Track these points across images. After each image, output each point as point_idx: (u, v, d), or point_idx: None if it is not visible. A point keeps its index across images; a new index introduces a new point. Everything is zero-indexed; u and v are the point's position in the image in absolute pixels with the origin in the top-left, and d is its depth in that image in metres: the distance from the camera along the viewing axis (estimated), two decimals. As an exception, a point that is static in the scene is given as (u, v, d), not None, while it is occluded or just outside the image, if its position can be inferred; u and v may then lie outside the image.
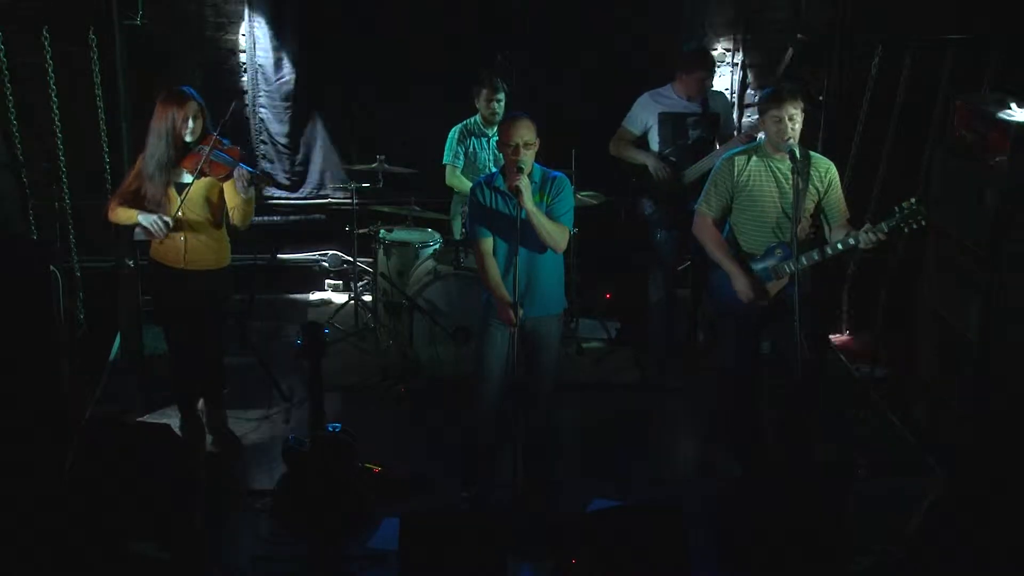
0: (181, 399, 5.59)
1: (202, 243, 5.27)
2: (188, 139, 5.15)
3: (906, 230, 4.89)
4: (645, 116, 6.42)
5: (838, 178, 5.24)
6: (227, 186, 5.18)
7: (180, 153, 5.16)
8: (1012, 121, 5.33)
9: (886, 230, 4.90)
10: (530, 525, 4.92)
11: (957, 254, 5.68)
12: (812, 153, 5.21)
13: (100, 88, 6.60)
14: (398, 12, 7.49)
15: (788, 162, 5.06)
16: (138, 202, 5.20)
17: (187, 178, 5.16)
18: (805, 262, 5.05)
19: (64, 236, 6.82)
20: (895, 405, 6.24)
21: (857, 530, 4.73)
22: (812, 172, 5.13)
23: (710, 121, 6.40)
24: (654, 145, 6.42)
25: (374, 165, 6.91)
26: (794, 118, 5.01)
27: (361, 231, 7.11)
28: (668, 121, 6.37)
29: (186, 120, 5.11)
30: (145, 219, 5.13)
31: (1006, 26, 6.54)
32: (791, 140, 5.01)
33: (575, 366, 6.83)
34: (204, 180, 5.17)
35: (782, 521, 4.53)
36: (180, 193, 5.16)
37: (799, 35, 7.26)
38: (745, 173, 5.17)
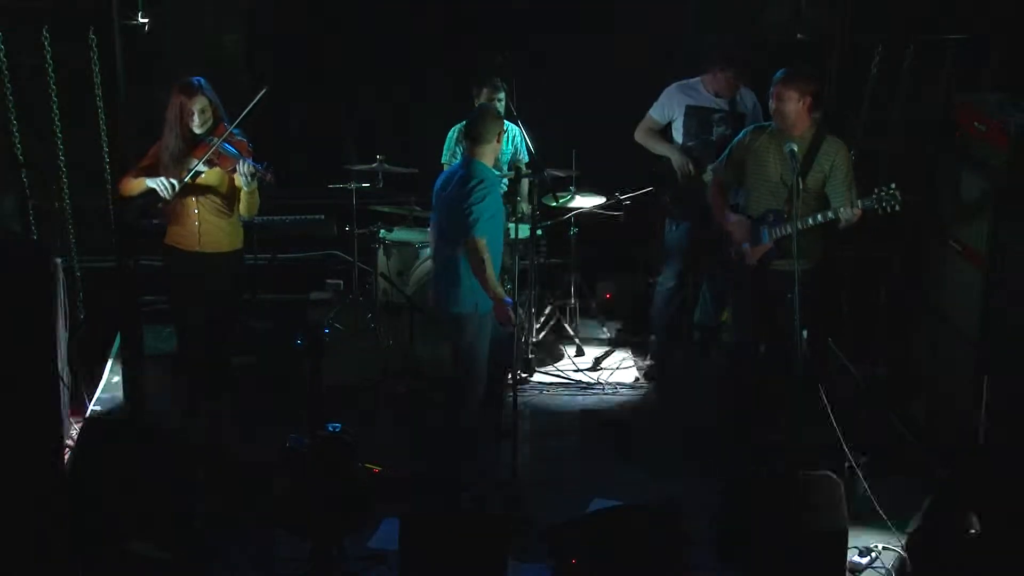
0: (185, 390, 5.59)
1: (216, 227, 5.37)
2: (197, 131, 5.21)
3: (879, 212, 5.14)
4: (671, 107, 6.43)
5: (845, 160, 5.38)
6: (237, 176, 5.26)
7: (191, 142, 5.23)
8: (1012, 121, 5.32)
9: (861, 207, 5.17)
10: (530, 525, 4.92)
11: (957, 254, 5.68)
12: (827, 135, 5.41)
13: (100, 88, 6.59)
14: (399, 12, 7.50)
15: (797, 140, 5.29)
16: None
17: (200, 167, 5.23)
18: (789, 230, 5.19)
19: (64, 236, 6.81)
20: (895, 405, 6.24)
21: (857, 530, 4.73)
22: (820, 153, 5.35)
23: (736, 119, 6.39)
24: (677, 137, 6.43)
25: (374, 165, 6.91)
26: (782, 98, 5.30)
27: (360, 231, 7.11)
28: (694, 115, 6.38)
29: (192, 112, 5.17)
30: (152, 181, 5.21)
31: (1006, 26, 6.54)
32: (776, 119, 5.35)
33: (575, 366, 6.84)
34: (215, 168, 5.26)
35: (782, 521, 4.53)
36: (195, 180, 5.25)
37: (799, 35, 7.25)
38: (756, 144, 5.48)
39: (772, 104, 5.37)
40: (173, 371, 5.73)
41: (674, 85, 6.48)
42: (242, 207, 5.38)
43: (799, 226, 5.16)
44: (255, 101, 5.22)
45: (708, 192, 5.76)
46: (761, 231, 5.46)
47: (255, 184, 5.24)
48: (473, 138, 5.26)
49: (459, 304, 5.24)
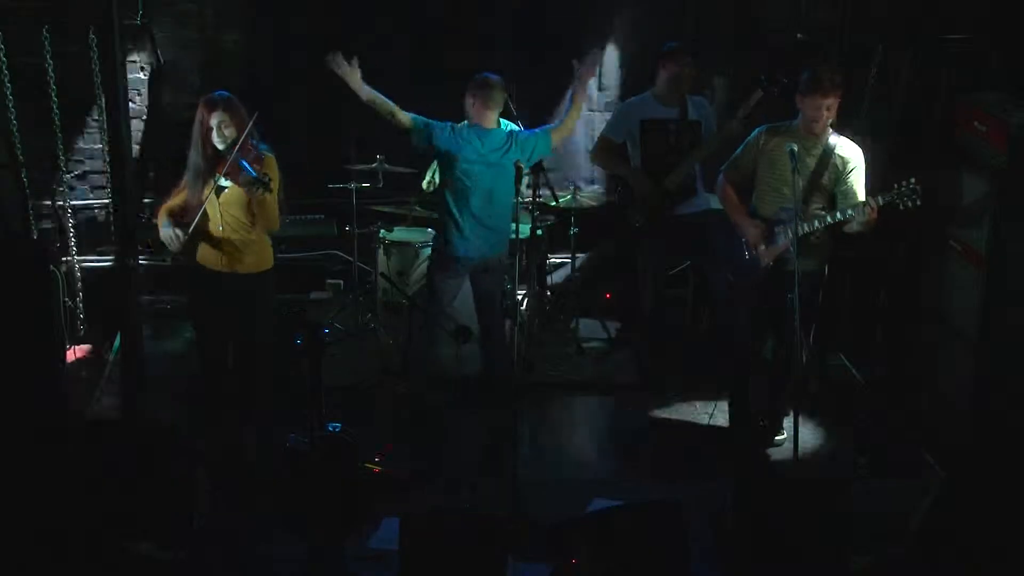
0: (207, 404, 5.54)
1: (239, 246, 5.24)
2: (219, 146, 5.08)
3: (900, 207, 5.08)
4: (627, 124, 6.37)
5: (861, 168, 5.37)
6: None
7: (214, 158, 5.12)
8: (1012, 121, 5.33)
9: (881, 203, 5.10)
10: (530, 525, 4.92)
11: (957, 254, 5.68)
12: (843, 138, 5.39)
13: (100, 88, 6.59)
14: (398, 11, 7.50)
15: (816, 143, 5.31)
16: (182, 207, 5.20)
17: (224, 182, 5.13)
18: (806, 228, 5.25)
19: (64, 236, 6.82)
20: (895, 405, 6.24)
21: (857, 530, 4.73)
22: (836, 153, 5.33)
23: (690, 128, 6.36)
24: (635, 151, 6.38)
25: (374, 165, 6.91)
26: (832, 108, 5.26)
27: (361, 231, 7.12)
28: (649, 128, 6.32)
29: (211, 127, 5.06)
30: (163, 232, 5.15)
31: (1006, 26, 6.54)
32: (819, 129, 5.28)
33: (575, 366, 6.84)
34: (236, 183, 5.14)
35: (782, 521, 4.54)
36: (219, 196, 5.14)
37: (799, 35, 7.26)
38: (770, 146, 5.43)
39: (811, 113, 5.25)
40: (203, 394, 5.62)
41: (625, 103, 6.46)
42: (258, 218, 5.20)
43: (816, 225, 5.22)
44: (248, 128, 5.06)
45: (719, 196, 5.68)
46: (776, 233, 5.43)
47: (260, 194, 5.01)
48: (484, 103, 5.67)
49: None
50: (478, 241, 5.78)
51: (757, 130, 5.55)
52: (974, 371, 5.49)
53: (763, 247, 5.46)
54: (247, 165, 5.02)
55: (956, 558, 4.53)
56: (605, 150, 6.45)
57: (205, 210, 5.13)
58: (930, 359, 5.99)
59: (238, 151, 5.04)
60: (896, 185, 5.07)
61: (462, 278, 5.90)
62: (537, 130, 5.85)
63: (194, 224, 5.10)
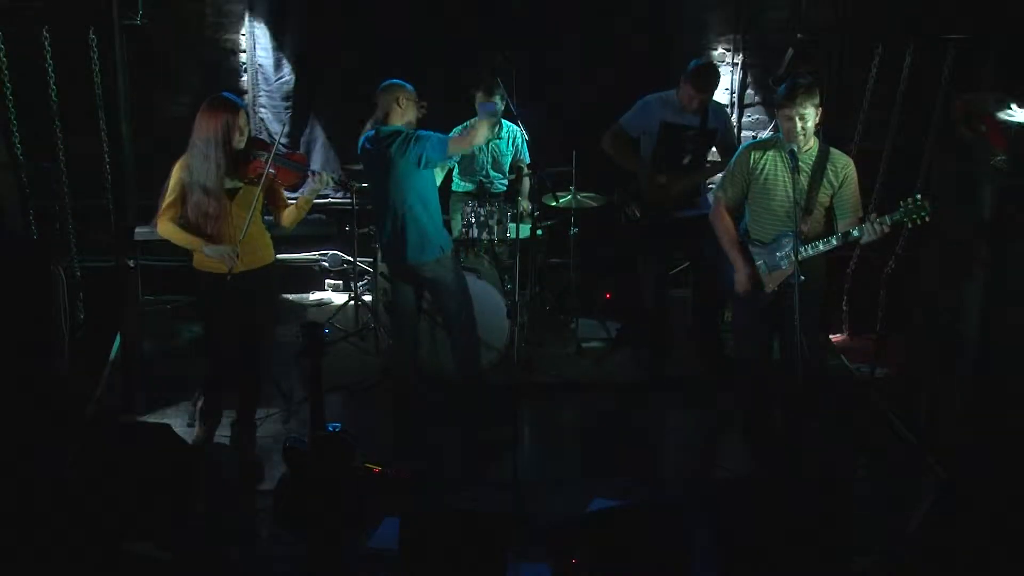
0: (210, 405, 5.55)
1: (254, 243, 5.30)
2: (240, 147, 5.16)
3: (910, 225, 4.99)
4: (647, 121, 6.34)
5: (854, 176, 5.28)
6: (280, 189, 5.28)
7: (233, 161, 5.16)
8: (1012, 121, 5.33)
9: (889, 223, 5.00)
10: (530, 525, 4.92)
11: (956, 253, 5.68)
12: (832, 149, 5.28)
13: (100, 88, 6.59)
14: (398, 11, 7.51)
15: (804, 156, 5.17)
16: (185, 213, 5.19)
17: (236, 184, 5.17)
18: (811, 251, 5.15)
19: (64, 236, 6.82)
20: (895, 405, 6.24)
21: (857, 530, 4.73)
22: (828, 167, 5.22)
23: (707, 136, 6.34)
24: (647, 149, 6.37)
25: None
26: (805, 117, 5.09)
27: (361, 231, 7.12)
28: (667, 131, 6.29)
29: (240, 129, 5.13)
30: (213, 251, 5.15)
31: (1006, 26, 6.55)
32: (800, 139, 5.11)
33: (575, 366, 6.84)
34: (255, 185, 5.18)
35: (782, 521, 4.54)
36: (231, 197, 5.18)
37: (799, 35, 7.26)
38: (760, 163, 5.29)
39: (785, 124, 5.13)
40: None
41: (652, 98, 6.37)
42: (288, 217, 5.38)
43: (821, 247, 5.13)
44: (284, 129, 5.21)
45: (714, 223, 5.46)
46: (778, 257, 5.30)
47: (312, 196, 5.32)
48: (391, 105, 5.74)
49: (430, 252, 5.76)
50: (380, 239, 5.94)
51: (743, 147, 5.42)
52: (974, 371, 5.49)
53: (765, 273, 5.32)
54: (299, 164, 5.24)
55: (956, 558, 4.53)
56: (617, 140, 6.43)
57: (231, 214, 5.17)
58: (930, 359, 5.99)
59: (273, 155, 5.16)
60: (902, 203, 4.97)
61: (399, 280, 5.95)
62: (432, 135, 5.70)
63: (246, 229, 5.16)
